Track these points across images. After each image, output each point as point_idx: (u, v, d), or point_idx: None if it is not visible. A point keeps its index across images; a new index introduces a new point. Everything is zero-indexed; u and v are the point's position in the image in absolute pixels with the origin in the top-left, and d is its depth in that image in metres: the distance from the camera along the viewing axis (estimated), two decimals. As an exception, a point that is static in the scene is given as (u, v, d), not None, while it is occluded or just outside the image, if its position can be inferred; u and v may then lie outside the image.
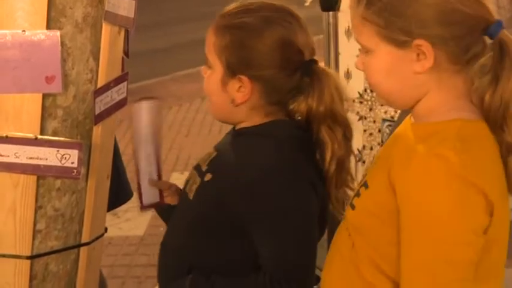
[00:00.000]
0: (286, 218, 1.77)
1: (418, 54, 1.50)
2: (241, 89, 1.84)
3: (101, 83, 2.11)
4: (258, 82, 1.83)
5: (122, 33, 2.22)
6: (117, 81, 2.19)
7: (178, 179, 5.33)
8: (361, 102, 3.96)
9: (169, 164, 5.63)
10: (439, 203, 1.42)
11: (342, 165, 1.83)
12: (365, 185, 1.60)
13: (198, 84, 7.69)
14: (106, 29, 2.12)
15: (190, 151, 6.00)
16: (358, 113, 3.97)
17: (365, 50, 1.57)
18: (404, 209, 1.47)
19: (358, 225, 1.61)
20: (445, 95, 1.53)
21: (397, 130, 1.66)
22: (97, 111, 2.09)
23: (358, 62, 1.61)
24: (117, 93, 2.18)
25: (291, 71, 1.82)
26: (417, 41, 1.49)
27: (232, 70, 1.84)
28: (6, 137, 2.04)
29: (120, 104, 2.22)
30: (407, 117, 1.65)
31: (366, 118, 3.94)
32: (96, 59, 2.10)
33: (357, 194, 1.62)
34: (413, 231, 1.45)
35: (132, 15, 2.25)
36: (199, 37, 9.41)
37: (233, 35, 1.83)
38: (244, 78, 1.83)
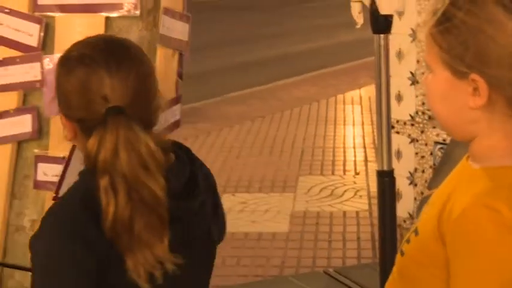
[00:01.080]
0: None
1: (474, 89, 1.41)
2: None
3: (155, 104, 2.15)
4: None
5: (176, 55, 2.26)
6: (172, 103, 2.23)
7: (229, 201, 5.36)
8: (412, 125, 3.94)
9: (220, 186, 5.60)
10: (488, 258, 1.36)
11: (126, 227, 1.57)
12: (415, 231, 1.52)
13: (249, 106, 7.74)
14: (160, 52, 2.17)
15: (240, 173, 6.03)
16: (409, 135, 3.95)
17: (430, 69, 1.52)
18: (453, 261, 1.41)
19: (405, 272, 1.54)
20: (498, 138, 1.44)
21: (452, 173, 1.59)
22: (151, 133, 2.13)
23: (424, 79, 1.56)
24: (171, 115, 2.22)
25: None
26: (474, 76, 1.40)
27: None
28: (63, 158, 2.10)
29: (174, 126, 2.26)
30: (464, 157, 1.58)
31: (417, 141, 3.92)
32: (151, 81, 2.14)
33: (407, 240, 1.55)
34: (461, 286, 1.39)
35: (186, 38, 2.29)
36: (250, 59, 9.49)
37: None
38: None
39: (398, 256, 1.57)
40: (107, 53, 1.58)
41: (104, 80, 1.55)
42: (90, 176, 1.56)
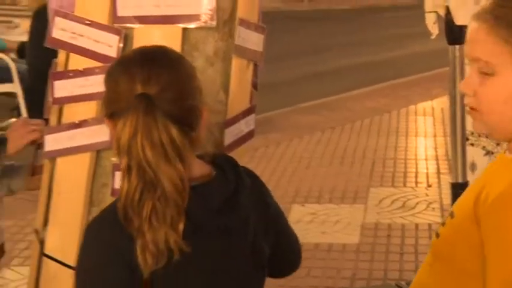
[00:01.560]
0: None
1: None
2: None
3: (230, 115, 2.17)
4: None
5: (251, 66, 2.28)
6: (246, 113, 2.24)
7: (298, 212, 5.35)
8: (487, 137, 3.87)
9: (289, 196, 5.66)
10: None
11: None
12: (451, 214, 1.58)
13: (320, 116, 7.74)
14: (236, 63, 2.18)
15: (310, 183, 6.01)
16: (484, 147, 3.88)
17: (484, 72, 1.52)
18: (488, 244, 1.46)
19: (440, 253, 1.60)
20: None
21: (491, 164, 1.64)
22: (226, 143, 2.15)
23: (466, 84, 1.55)
24: (245, 125, 2.23)
25: None
26: None
27: None
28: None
29: (248, 136, 2.27)
30: (502, 151, 1.62)
31: (492, 153, 3.85)
32: (226, 91, 2.16)
33: (443, 223, 1.61)
34: (496, 270, 1.44)
35: (260, 49, 2.30)
36: (323, 69, 9.50)
37: None
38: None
39: (433, 239, 1.62)
40: (143, 53, 1.73)
41: (136, 74, 1.66)
42: None
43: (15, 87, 6.72)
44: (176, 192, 1.61)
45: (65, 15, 2.17)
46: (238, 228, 1.73)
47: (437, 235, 1.61)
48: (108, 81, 1.73)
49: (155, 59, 1.71)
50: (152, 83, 1.65)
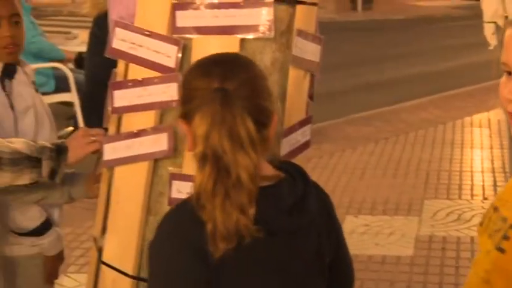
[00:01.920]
0: None
1: None
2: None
3: (286, 125, 2.17)
4: None
5: (308, 77, 2.28)
6: (302, 123, 2.24)
7: (352, 223, 5.32)
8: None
9: (343, 207, 5.63)
10: None
11: None
12: None
13: (373, 127, 7.68)
14: (293, 73, 2.19)
15: (364, 194, 5.97)
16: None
17: None
18: None
19: (505, 270, 1.54)
20: None
21: None
22: (283, 152, 2.15)
23: (507, 90, 1.54)
24: (301, 135, 2.23)
25: None
26: None
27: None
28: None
29: (305, 146, 2.27)
30: None
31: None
32: (283, 101, 2.17)
33: (505, 237, 1.55)
34: None
35: (317, 59, 2.30)
36: (376, 79, 9.43)
37: None
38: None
39: (494, 255, 1.56)
40: (219, 56, 1.84)
41: (213, 72, 1.74)
42: None
43: (72, 96, 6.83)
44: (250, 180, 1.68)
45: (125, 26, 2.21)
46: (306, 231, 1.78)
47: (502, 250, 1.57)
48: (184, 82, 1.81)
49: (231, 59, 1.81)
50: (229, 79, 1.73)
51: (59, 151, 2.27)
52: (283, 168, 1.82)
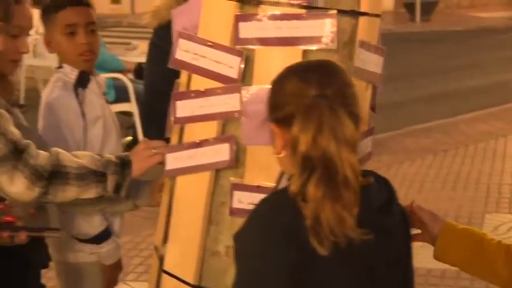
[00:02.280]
0: None
1: None
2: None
3: (348, 136, 2.16)
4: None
5: (369, 88, 2.27)
6: (364, 135, 2.23)
7: (411, 235, 5.26)
8: None
9: (401, 219, 5.57)
10: None
11: None
12: None
13: (432, 139, 7.57)
14: (355, 85, 2.18)
15: (423, 206, 5.91)
16: None
17: None
18: None
19: None
20: None
21: None
22: (345, 164, 2.14)
23: None
24: (364, 147, 2.22)
25: None
26: None
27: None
28: (258, 186, 2.15)
29: (367, 157, 2.26)
30: None
31: None
32: (345, 113, 2.16)
33: None
34: None
35: (379, 71, 2.29)
36: (437, 91, 9.29)
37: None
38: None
39: None
40: (310, 62, 1.94)
41: (310, 78, 1.81)
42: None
43: (131, 106, 6.92)
44: (355, 178, 1.76)
45: (189, 37, 2.23)
46: (392, 232, 1.86)
47: None
48: (277, 88, 1.87)
49: (325, 66, 1.88)
50: (327, 86, 1.81)
51: (123, 165, 2.29)
52: (366, 175, 1.88)
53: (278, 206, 1.81)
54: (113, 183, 2.25)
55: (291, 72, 1.87)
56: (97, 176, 2.22)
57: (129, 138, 7.41)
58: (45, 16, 2.69)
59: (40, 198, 2.15)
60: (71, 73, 2.68)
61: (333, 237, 1.73)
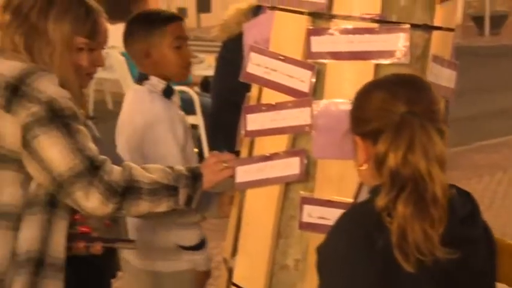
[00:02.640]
0: None
1: None
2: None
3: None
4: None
5: (442, 102, 2.24)
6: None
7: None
8: None
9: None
10: None
11: None
12: None
13: (502, 155, 7.39)
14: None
15: (492, 225, 5.78)
16: None
17: None
18: None
19: None
20: None
21: None
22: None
23: None
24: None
25: None
26: None
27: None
28: (328, 200, 2.14)
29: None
30: None
31: None
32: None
33: None
34: None
35: (452, 85, 2.27)
36: (503, 106, 9.09)
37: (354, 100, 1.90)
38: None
39: None
40: (399, 77, 1.90)
41: (398, 94, 1.81)
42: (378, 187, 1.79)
43: (197, 119, 6.98)
44: (443, 196, 1.76)
45: (260, 51, 2.24)
46: (476, 244, 1.85)
47: None
48: (363, 102, 1.86)
49: (414, 81, 1.87)
50: (416, 102, 1.81)
51: (195, 178, 2.30)
52: (448, 188, 1.88)
53: (362, 219, 1.81)
54: (184, 196, 2.26)
55: (378, 86, 1.87)
56: (169, 190, 2.24)
57: (195, 150, 7.47)
58: (149, 29, 2.72)
59: (114, 213, 2.18)
60: (158, 85, 2.72)
61: (419, 255, 1.72)
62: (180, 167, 2.32)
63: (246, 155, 2.32)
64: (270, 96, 2.24)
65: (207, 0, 17.59)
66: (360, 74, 2.09)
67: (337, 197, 2.13)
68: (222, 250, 5.23)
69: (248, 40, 2.30)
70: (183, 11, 15.02)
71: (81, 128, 2.17)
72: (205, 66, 7.68)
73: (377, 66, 2.11)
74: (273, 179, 2.23)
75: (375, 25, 2.09)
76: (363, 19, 2.10)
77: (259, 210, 2.26)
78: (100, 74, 9.35)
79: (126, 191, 2.17)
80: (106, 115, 8.96)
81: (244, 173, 2.29)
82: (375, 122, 1.82)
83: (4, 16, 2.21)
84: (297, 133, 2.20)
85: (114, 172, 2.17)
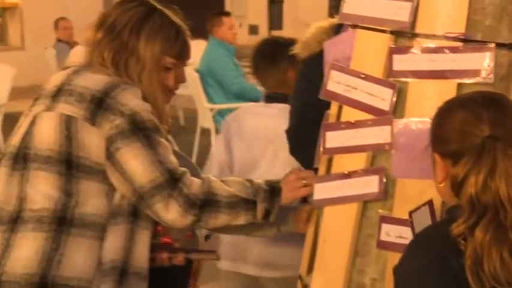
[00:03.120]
0: None
1: None
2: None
3: None
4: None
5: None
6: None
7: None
8: None
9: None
10: None
11: None
12: None
13: None
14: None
15: None
16: None
17: None
18: None
19: None
20: None
21: None
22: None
23: None
24: None
25: None
26: None
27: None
28: (407, 220, 2.12)
29: None
30: None
31: None
32: None
33: None
34: None
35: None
36: None
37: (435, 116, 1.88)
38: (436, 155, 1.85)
39: None
40: (485, 96, 1.84)
41: (482, 116, 1.77)
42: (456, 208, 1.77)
43: (268, 135, 6.99)
44: None
45: (341, 69, 2.24)
46: None
47: None
48: (445, 120, 1.83)
49: (498, 101, 1.82)
50: (500, 125, 1.77)
51: (273, 192, 2.31)
52: None
53: (437, 241, 1.78)
54: (262, 210, 2.28)
55: (461, 105, 1.83)
56: (247, 203, 2.25)
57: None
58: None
59: (193, 225, 2.21)
60: None
61: (495, 284, 1.68)
62: (259, 181, 2.33)
63: (323, 172, 2.32)
64: (349, 114, 2.24)
65: (278, 18, 17.70)
66: (442, 93, 2.07)
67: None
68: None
69: (329, 58, 2.31)
70: (255, 28, 15.13)
71: (163, 140, 2.20)
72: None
73: (459, 85, 2.08)
74: (351, 197, 2.22)
75: (459, 44, 2.07)
76: (447, 38, 2.08)
77: (336, 228, 2.26)
78: (173, 89, 9.48)
79: (204, 204, 2.19)
80: (178, 130, 9.10)
81: (322, 190, 2.29)
82: (456, 144, 1.79)
83: (97, 34, 2.27)
84: (376, 151, 2.19)
85: (194, 185, 2.19)
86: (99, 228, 2.18)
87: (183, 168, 2.21)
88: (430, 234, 1.84)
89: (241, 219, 2.26)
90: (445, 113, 1.84)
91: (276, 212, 2.31)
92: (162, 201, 2.15)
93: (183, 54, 2.34)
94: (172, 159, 2.19)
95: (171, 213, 2.15)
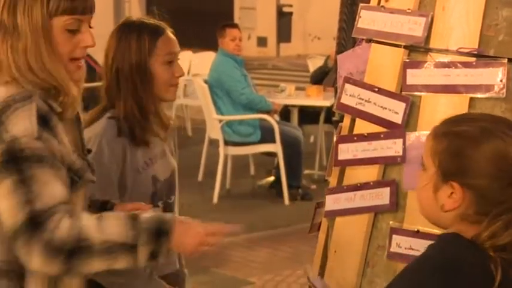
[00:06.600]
0: None
1: None
2: (453, 196, 1.78)
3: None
4: (470, 191, 1.76)
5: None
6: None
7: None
8: None
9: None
10: None
11: None
12: None
13: None
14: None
15: None
16: None
17: None
18: None
19: None
20: None
21: None
22: None
23: None
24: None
25: (505, 184, 1.74)
26: None
27: (445, 175, 1.79)
28: (417, 232, 2.15)
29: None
30: None
31: None
32: None
33: None
34: None
35: None
36: None
37: (450, 142, 1.79)
38: (456, 185, 1.77)
39: None
40: (506, 124, 1.78)
41: (508, 141, 1.73)
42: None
43: (276, 147, 7.03)
44: None
45: (355, 82, 2.28)
46: None
47: None
48: (479, 151, 1.76)
49: None
50: None
51: (159, 234, 2.02)
52: None
53: (459, 258, 1.78)
54: (145, 253, 2.01)
55: (492, 134, 1.75)
56: (125, 247, 1.99)
57: (272, 178, 7.52)
58: None
59: (64, 273, 1.98)
60: None
61: None
62: (147, 218, 2.03)
63: (335, 184, 2.35)
64: (362, 126, 2.28)
65: (287, 30, 17.76)
66: (454, 108, 2.11)
67: (426, 228, 2.14)
68: (297, 278, 5.25)
69: (342, 71, 2.35)
70: (263, 40, 15.20)
71: (41, 171, 1.96)
72: (285, 95, 7.76)
73: (472, 99, 2.12)
74: (363, 208, 2.25)
75: (472, 59, 2.11)
76: (460, 53, 2.12)
77: (347, 238, 2.29)
78: (182, 100, 9.56)
79: (74, 250, 1.96)
80: (186, 141, 9.14)
81: (333, 202, 2.32)
82: (486, 179, 1.74)
83: None
84: (388, 164, 2.22)
85: (61, 229, 1.95)
86: (15, 277, 2.04)
87: (59, 207, 1.97)
88: (459, 251, 1.80)
89: (122, 263, 2.00)
90: (469, 141, 1.76)
91: (166, 253, 2.04)
92: (23, 247, 1.95)
93: (74, 7, 2.04)
94: (51, 194, 1.97)
95: (34, 260, 1.95)
